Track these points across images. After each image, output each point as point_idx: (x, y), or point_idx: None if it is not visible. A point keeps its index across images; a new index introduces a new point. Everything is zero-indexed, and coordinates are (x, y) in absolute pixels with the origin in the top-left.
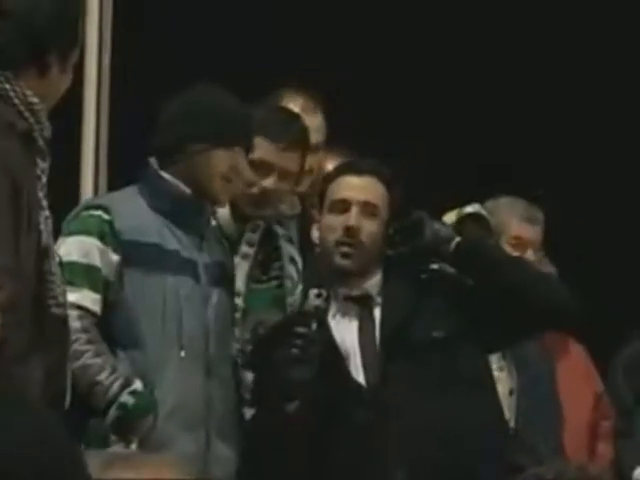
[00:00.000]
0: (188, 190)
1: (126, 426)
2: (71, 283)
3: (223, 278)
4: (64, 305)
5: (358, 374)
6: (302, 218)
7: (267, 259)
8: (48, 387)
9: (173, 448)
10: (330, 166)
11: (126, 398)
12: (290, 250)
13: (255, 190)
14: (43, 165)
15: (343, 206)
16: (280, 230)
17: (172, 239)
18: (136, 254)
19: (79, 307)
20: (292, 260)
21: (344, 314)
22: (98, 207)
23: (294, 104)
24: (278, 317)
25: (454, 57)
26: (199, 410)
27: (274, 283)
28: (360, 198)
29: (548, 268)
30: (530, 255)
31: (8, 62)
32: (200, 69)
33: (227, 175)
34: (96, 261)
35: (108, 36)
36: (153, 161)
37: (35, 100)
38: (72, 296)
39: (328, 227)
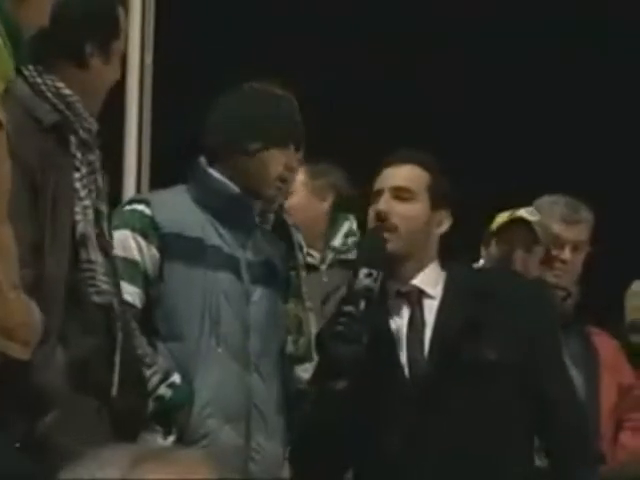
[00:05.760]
0: (237, 188)
1: (164, 418)
2: None
3: (269, 277)
4: (109, 293)
5: (404, 369)
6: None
7: None
8: (89, 374)
9: (215, 440)
10: None
11: (164, 391)
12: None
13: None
14: (88, 157)
15: None
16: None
17: (215, 235)
18: (177, 247)
19: None
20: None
21: (395, 310)
22: (141, 201)
23: None
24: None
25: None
26: (238, 404)
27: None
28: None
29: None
30: (567, 254)
31: (41, 55)
32: (242, 67)
33: (283, 175)
34: (135, 255)
35: (150, 34)
36: (202, 159)
37: (68, 92)
38: None
39: None
